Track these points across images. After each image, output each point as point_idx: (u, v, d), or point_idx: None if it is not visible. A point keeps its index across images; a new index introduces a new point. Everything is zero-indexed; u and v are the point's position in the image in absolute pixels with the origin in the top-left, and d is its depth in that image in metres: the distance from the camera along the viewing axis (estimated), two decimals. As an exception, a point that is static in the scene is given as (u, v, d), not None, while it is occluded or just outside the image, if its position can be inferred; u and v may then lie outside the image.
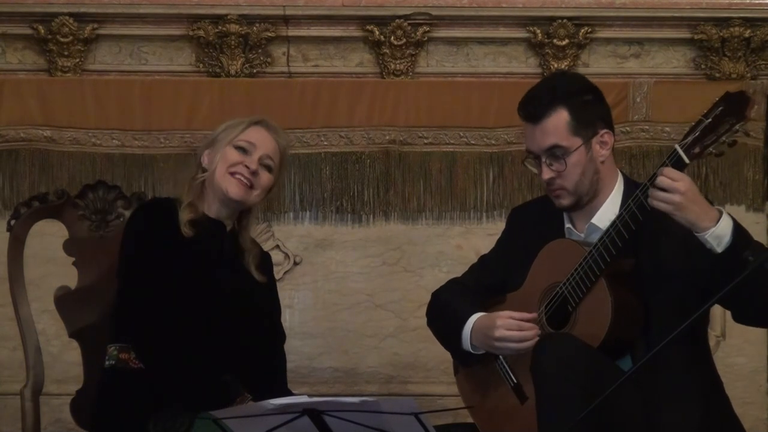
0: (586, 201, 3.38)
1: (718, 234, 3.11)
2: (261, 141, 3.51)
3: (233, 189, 3.49)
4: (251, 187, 3.50)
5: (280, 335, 3.65)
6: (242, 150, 3.50)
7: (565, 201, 3.38)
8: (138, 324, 3.43)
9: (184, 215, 3.48)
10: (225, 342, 3.44)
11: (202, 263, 3.47)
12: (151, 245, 3.44)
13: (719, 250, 3.11)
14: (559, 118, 3.34)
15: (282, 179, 3.81)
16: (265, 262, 3.65)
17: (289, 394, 3.45)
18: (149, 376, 3.42)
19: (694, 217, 3.11)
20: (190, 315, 3.40)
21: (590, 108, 3.38)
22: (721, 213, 3.13)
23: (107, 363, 3.51)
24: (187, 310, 3.41)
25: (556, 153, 3.34)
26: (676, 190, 3.10)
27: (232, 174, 3.48)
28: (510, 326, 3.35)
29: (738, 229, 3.13)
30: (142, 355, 3.44)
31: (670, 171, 3.12)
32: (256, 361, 3.50)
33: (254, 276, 3.56)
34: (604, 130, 3.39)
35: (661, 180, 3.11)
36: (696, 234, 3.12)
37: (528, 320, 3.35)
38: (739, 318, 3.30)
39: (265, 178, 3.52)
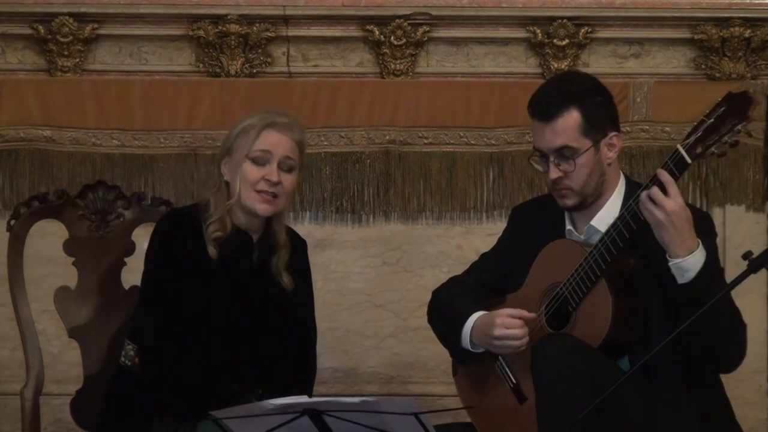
0: (590, 202, 3.38)
1: (682, 267, 3.12)
2: (275, 145, 3.46)
3: (261, 207, 3.46)
4: (277, 196, 3.47)
5: (309, 338, 3.62)
6: (259, 162, 3.47)
7: (570, 201, 3.38)
8: (151, 338, 3.44)
9: (211, 232, 3.46)
10: (244, 358, 3.43)
11: (228, 282, 3.45)
12: (172, 265, 3.43)
13: (679, 281, 3.12)
14: (571, 119, 3.33)
15: (306, 165, 3.71)
16: (297, 253, 3.60)
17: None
18: (155, 386, 3.42)
19: (669, 239, 3.12)
20: (206, 333, 3.39)
21: (601, 110, 3.37)
22: (697, 247, 3.12)
23: (122, 360, 3.52)
24: (204, 328, 3.40)
25: (566, 153, 3.33)
26: (662, 208, 3.10)
27: (257, 192, 3.45)
28: (510, 325, 3.35)
29: (706, 273, 3.11)
30: (146, 368, 3.45)
31: (671, 186, 3.11)
32: (280, 370, 3.48)
33: (284, 284, 3.53)
34: (613, 133, 3.38)
35: (654, 192, 3.11)
36: (666, 257, 3.13)
37: (527, 319, 3.35)
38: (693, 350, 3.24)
39: (288, 181, 3.48)
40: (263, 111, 3.58)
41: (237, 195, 3.46)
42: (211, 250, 3.44)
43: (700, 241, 3.14)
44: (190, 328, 3.39)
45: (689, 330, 2.97)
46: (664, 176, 3.13)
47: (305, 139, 3.55)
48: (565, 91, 3.36)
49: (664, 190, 3.12)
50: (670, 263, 3.12)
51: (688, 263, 3.11)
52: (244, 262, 3.50)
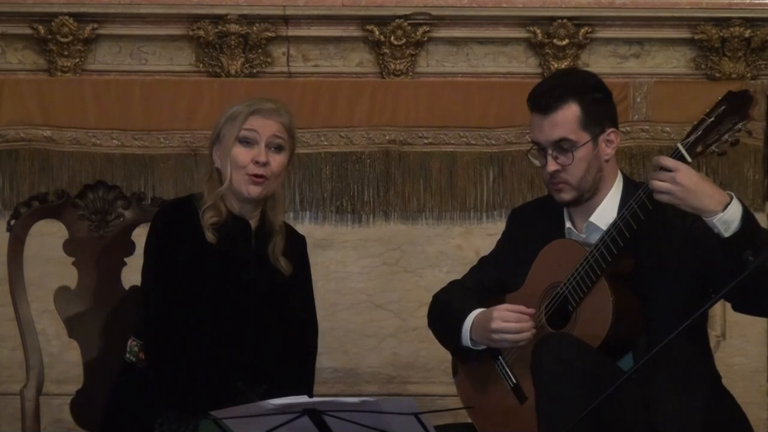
0: (586, 197, 3.39)
1: (726, 219, 3.10)
2: (262, 126, 3.48)
3: (252, 189, 3.46)
4: (266, 177, 3.47)
5: (310, 331, 3.63)
6: (247, 142, 3.47)
7: (567, 195, 3.38)
8: (153, 329, 3.44)
9: (207, 218, 3.46)
10: (245, 346, 3.43)
11: (228, 267, 3.46)
12: (171, 253, 3.44)
13: (726, 234, 3.11)
14: (570, 112, 3.34)
15: (296, 148, 3.72)
16: (295, 245, 3.60)
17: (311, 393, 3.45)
18: (159, 378, 3.42)
19: (698, 202, 3.11)
20: (208, 321, 3.40)
21: (600, 106, 3.38)
22: (731, 198, 3.12)
23: (127, 357, 3.52)
24: (206, 316, 3.40)
25: (564, 146, 3.34)
26: (671, 180, 3.10)
27: (248, 175, 3.46)
28: (507, 318, 3.36)
29: (747, 216, 3.12)
30: (150, 360, 3.45)
31: (667, 161, 3.11)
32: (282, 358, 3.48)
33: (282, 269, 3.53)
34: (611, 129, 3.39)
35: (659, 174, 3.11)
36: (704, 219, 3.12)
37: (525, 313, 3.35)
38: (738, 308, 3.30)
39: (277, 161, 3.49)
40: (250, 98, 3.60)
41: (228, 180, 3.47)
42: (209, 236, 3.45)
43: (732, 193, 3.14)
44: (192, 316, 3.39)
45: (739, 295, 3.03)
46: (655, 160, 3.15)
47: (293, 122, 3.56)
48: (565, 85, 3.39)
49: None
50: (714, 220, 3.09)
51: (729, 214, 3.10)
52: (243, 248, 3.50)
